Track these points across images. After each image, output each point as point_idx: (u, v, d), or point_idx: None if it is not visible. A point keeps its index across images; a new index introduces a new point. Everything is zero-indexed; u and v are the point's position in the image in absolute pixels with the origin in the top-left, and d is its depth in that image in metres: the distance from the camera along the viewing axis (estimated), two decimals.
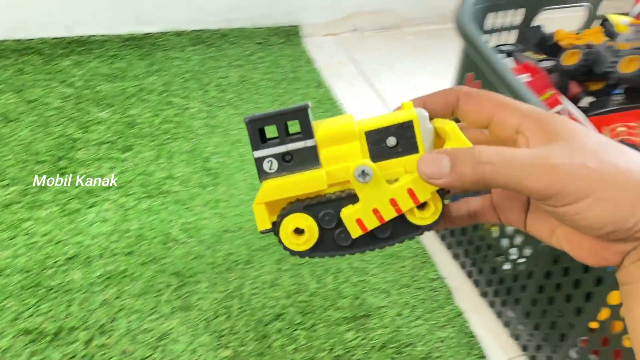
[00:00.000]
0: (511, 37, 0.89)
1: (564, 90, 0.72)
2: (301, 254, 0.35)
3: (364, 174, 0.33)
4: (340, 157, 0.34)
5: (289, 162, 0.34)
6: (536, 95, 0.70)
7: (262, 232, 0.35)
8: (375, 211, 0.34)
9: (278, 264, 0.90)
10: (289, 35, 1.42)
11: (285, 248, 0.35)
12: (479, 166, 0.28)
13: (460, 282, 0.93)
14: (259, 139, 0.34)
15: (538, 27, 0.80)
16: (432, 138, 0.33)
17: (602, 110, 0.69)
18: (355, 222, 0.34)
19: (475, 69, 0.73)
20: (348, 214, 0.34)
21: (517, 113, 0.30)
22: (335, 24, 1.49)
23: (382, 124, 0.33)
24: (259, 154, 0.34)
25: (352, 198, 0.34)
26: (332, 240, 0.35)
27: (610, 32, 0.82)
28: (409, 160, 0.33)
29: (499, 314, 0.86)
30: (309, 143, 0.34)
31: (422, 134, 0.33)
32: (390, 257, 0.94)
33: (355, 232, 0.34)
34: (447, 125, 0.32)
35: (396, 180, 0.33)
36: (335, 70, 1.37)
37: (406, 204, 0.33)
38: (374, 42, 1.50)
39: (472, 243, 0.88)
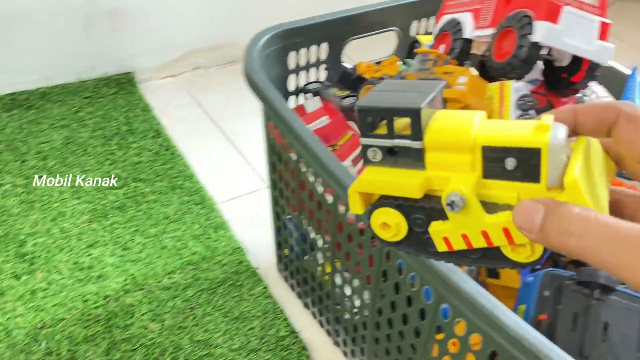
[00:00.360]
0: (323, 73, 0.85)
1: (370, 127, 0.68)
2: (389, 244, 0.33)
3: (453, 204, 0.29)
4: (447, 165, 0.30)
5: (394, 156, 0.32)
6: (331, 142, 0.66)
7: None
8: (464, 236, 0.31)
9: (106, 354, 0.80)
10: (122, 83, 1.32)
11: (375, 236, 0.34)
12: (562, 235, 0.24)
13: (314, 334, 0.87)
14: (367, 127, 0.32)
15: (339, 61, 0.76)
16: (563, 168, 0.28)
17: None
18: (442, 239, 0.31)
19: (272, 117, 0.68)
20: (435, 230, 0.31)
21: None
22: (173, 65, 1.40)
23: (505, 142, 0.29)
24: (365, 141, 0.33)
25: (444, 212, 0.30)
26: (420, 241, 0.32)
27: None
28: (526, 188, 0.29)
29: None
30: (415, 145, 0.31)
31: (549, 165, 0.28)
32: (237, 321, 0.86)
33: (441, 247, 0.32)
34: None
35: (504, 206, 0.29)
36: (176, 115, 1.28)
37: (499, 241, 0.29)
38: (219, 79, 1.43)
39: (315, 291, 0.82)
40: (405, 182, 0.31)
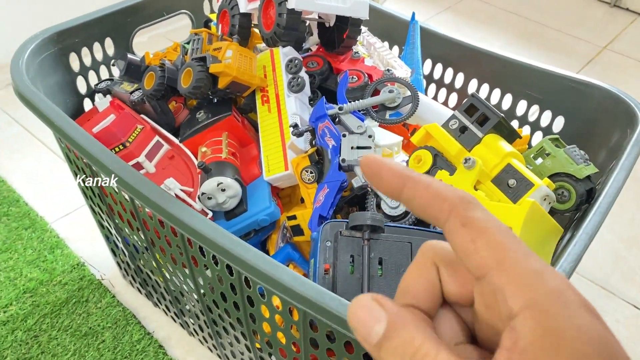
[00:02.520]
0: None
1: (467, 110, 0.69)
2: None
3: (468, 161, 0.52)
4: (482, 157, 0.53)
5: (462, 133, 0.56)
6: (120, 140, 0.64)
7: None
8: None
9: None
10: None
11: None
12: None
13: (170, 330, 0.86)
14: (466, 108, 0.57)
15: (125, 54, 0.74)
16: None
17: (190, 132, 0.66)
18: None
19: None
20: (440, 175, 0.55)
21: (523, 288, 0.18)
22: None
23: (522, 171, 0.53)
24: (457, 114, 0.57)
25: (452, 171, 0.55)
26: None
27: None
28: (505, 200, 0.52)
29: (211, 349, 0.82)
30: (479, 134, 0.55)
31: (532, 196, 0.51)
32: (86, 337, 0.84)
33: None
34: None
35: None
36: None
37: None
38: None
39: (156, 289, 0.81)
40: (453, 146, 0.55)
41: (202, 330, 0.77)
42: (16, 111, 1.27)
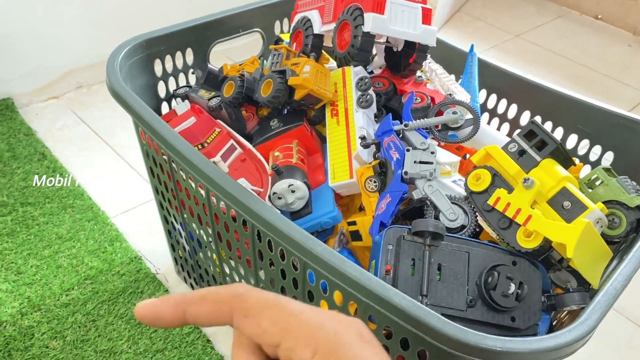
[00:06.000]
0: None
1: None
2: (467, 190, 0.59)
3: (527, 181, 0.55)
4: (539, 178, 0.56)
5: (520, 156, 0.58)
6: (199, 140, 0.70)
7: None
8: (508, 204, 0.55)
9: None
10: (0, 110, 1.29)
11: (465, 183, 0.60)
12: None
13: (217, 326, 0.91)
14: (525, 133, 0.59)
15: (205, 65, 0.80)
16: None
17: (263, 137, 0.71)
18: (496, 198, 0.56)
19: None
20: (498, 193, 0.56)
21: (308, 341, 0.23)
22: (54, 86, 1.38)
23: (577, 194, 0.55)
24: (516, 137, 0.59)
25: (508, 189, 0.57)
26: (482, 199, 0.58)
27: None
28: (558, 219, 0.55)
29: None
30: (537, 158, 0.58)
31: (586, 217, 0.54)
32: (140, 326, 0.89)
33: (491, 202, 0.56)
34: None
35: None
36: (61, 135, 1.27)
37: (520, 220, 0.54)
38: (103, 95, 1.42)
39: (211, 285, 0.86)
40: (512, 167, 0.58)
41: None
42: (83, 112, 1.36)
